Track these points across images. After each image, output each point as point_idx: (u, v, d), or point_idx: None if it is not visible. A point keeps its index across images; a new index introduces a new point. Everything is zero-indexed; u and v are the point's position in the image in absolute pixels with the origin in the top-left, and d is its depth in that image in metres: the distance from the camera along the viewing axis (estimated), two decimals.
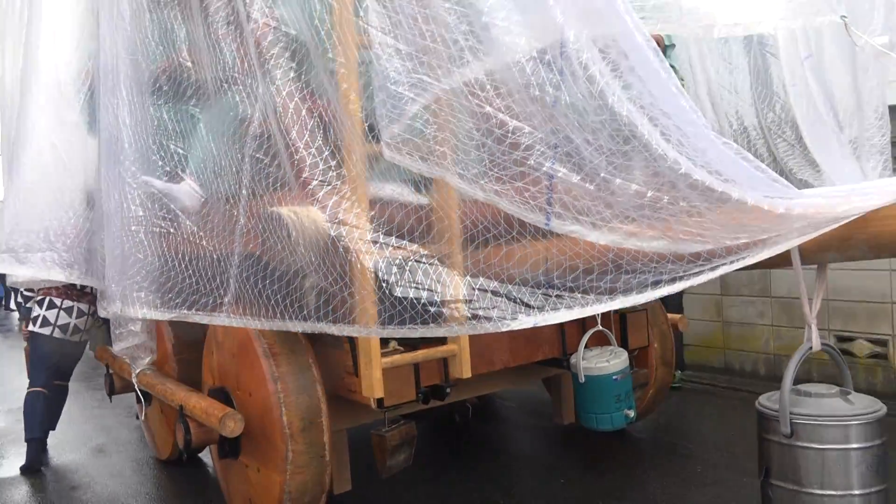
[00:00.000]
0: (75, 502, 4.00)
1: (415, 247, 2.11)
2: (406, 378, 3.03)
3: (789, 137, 3.36)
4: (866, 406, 2.25)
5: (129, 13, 2.86)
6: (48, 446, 4.78)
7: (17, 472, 4.46)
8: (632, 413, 3.66)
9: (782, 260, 1.99)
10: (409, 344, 2.89)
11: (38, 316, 4.48)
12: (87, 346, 4.83)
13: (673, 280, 1.89)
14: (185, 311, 2.72)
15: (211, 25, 2.40)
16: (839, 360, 2.46)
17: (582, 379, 3.60)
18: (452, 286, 2.07)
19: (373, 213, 2.17)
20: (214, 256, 2.66)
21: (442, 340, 2.81)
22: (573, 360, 3.64)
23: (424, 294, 2.06)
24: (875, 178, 2.98)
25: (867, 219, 1.82)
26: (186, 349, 3.88)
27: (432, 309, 2.03)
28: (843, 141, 3.10)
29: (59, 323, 4.44)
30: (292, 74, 2.33)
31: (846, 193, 1.82)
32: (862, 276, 4.93)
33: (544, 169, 1.76)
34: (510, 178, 1.82)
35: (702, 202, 1.71)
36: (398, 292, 2.05)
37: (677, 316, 4.45)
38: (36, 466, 4.49)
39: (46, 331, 4.44)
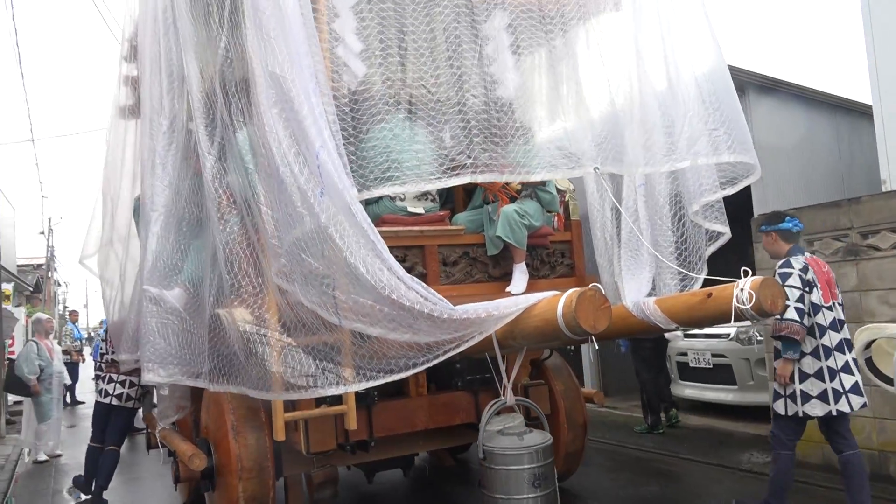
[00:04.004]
0: None
1: (287, 338, 3.30)
2: (329, 431, 4.15)
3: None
4: (532, 441, 3.27)
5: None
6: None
7: None
8: None
9: (489, 346, 3.04)
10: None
11: (101, 389, 5.95)
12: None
13: (424, 362, 2.98)
14: (179, 377, 3.97)
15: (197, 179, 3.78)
16: (538, 410, 3.49)
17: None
18: (306, 365, 3.25)
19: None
20: (200, 339, 3.93)
21: (337, 401, 3.88)
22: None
23: (289, 371, 3.24)
24: (662, 285, 3.94)
25: (519, 320, 2.86)
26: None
27: (291, 380, 3.21)
28: (651, 254, 4.07)
29: (115, 393, 5.86)
30: (238, 222, 3.65)
31: (500, 305, 2.87)
32: None
33: (331, 293, 2.96)
34: (318, 297, 3.02)
35: (412, 313, 2.82)
36: (274, 369, 3.24)
37: (593, 391, 5.34)
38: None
39: (106, 400, 5.87)
